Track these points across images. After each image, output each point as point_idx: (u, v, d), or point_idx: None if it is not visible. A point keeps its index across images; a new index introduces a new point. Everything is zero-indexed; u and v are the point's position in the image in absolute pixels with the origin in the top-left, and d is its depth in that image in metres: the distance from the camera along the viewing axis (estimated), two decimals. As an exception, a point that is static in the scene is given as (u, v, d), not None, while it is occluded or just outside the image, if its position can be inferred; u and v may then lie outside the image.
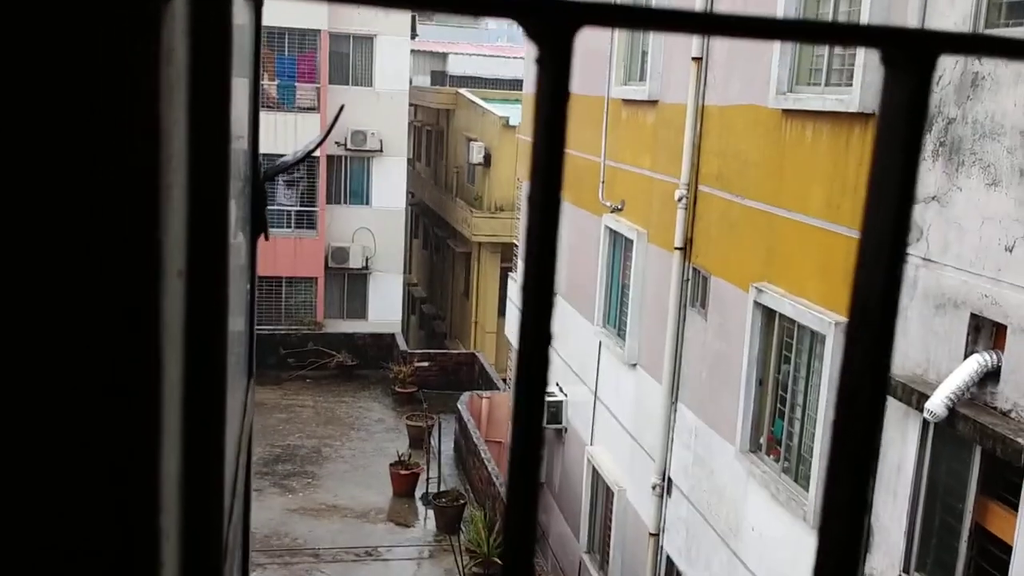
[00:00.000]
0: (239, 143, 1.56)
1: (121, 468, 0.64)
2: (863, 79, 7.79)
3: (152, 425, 0.66)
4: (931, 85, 0.42)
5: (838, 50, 8.42)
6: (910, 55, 0.42)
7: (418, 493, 18.25)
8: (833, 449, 0.51)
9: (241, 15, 1.47)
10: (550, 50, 0.42)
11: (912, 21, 7.22)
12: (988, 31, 6.64)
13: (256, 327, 2.37)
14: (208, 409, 0.94)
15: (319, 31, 26.29)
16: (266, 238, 2.04)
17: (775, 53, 9.10)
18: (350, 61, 27.44)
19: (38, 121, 0.58)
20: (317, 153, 25.05)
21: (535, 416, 0.48)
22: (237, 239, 1.53)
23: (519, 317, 0.47)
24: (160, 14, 0.58)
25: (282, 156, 3.08)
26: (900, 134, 0.42)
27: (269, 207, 2.22)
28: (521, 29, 0.44)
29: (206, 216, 0.83)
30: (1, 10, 0.56)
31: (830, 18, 8.70)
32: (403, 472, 18.24)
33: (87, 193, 0.59)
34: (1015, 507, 6.20)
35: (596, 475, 14.13)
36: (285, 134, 24.57)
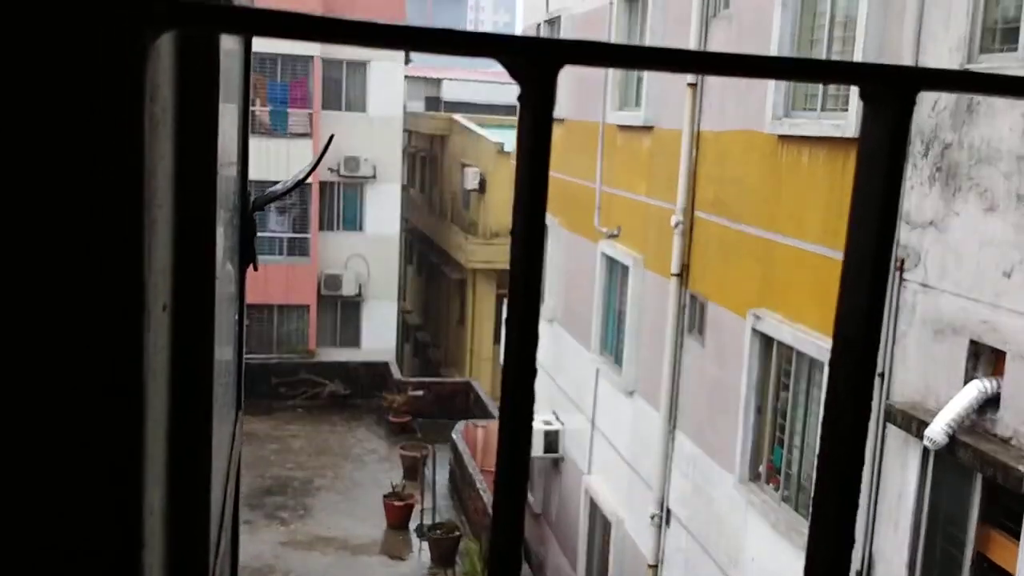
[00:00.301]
0: (228, 170, 1.56)
1: (102, 505, 0.63)
2: (859, 104, 7.82)
3: (135, 459, 0.65)
4: (910, 121, 0.42)
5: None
6: (889, 92, 0.42)
7: (412, 525, 18.02)
8: (819, 471, 0.51)
9: (230, 41, 1.47)
10: (532, 89, 0.42)
11: (907, 46, 7.26)
12: (983, 55, 6.67)
13: (247, 356, 2.37)
14: (194, 442, 0.93)
15: (312, 57, 26.32)
16: (255, 268, 2.03)
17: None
18: (343, 87, 27.47)
19: (21, 155, 0.58)
20: (310, 180, 25.03)
21: (520, 450, 0.47)
22: (225, 268, 1.53)
23: (504, 349, 0.46)
24: (146, 54, 0.58)
25: (274, 183, 3.08)
26: (880, 169, 0.41)
27: (261, 234, 2.22)
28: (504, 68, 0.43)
29: (192, 250, 0.82)
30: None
31: (826, 38, 8.74)
32: (397, 503, 18.04)
33: (68, 229, 0.59)
34: (1017, 536, 6.16)
35: (593, 505, 14.04)
36: (277, 160, 24.54)
